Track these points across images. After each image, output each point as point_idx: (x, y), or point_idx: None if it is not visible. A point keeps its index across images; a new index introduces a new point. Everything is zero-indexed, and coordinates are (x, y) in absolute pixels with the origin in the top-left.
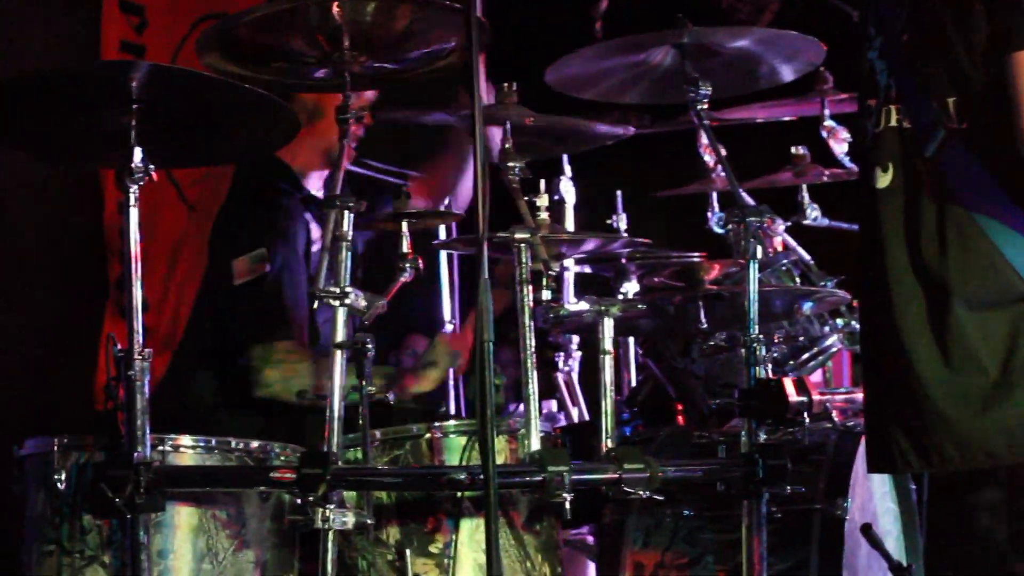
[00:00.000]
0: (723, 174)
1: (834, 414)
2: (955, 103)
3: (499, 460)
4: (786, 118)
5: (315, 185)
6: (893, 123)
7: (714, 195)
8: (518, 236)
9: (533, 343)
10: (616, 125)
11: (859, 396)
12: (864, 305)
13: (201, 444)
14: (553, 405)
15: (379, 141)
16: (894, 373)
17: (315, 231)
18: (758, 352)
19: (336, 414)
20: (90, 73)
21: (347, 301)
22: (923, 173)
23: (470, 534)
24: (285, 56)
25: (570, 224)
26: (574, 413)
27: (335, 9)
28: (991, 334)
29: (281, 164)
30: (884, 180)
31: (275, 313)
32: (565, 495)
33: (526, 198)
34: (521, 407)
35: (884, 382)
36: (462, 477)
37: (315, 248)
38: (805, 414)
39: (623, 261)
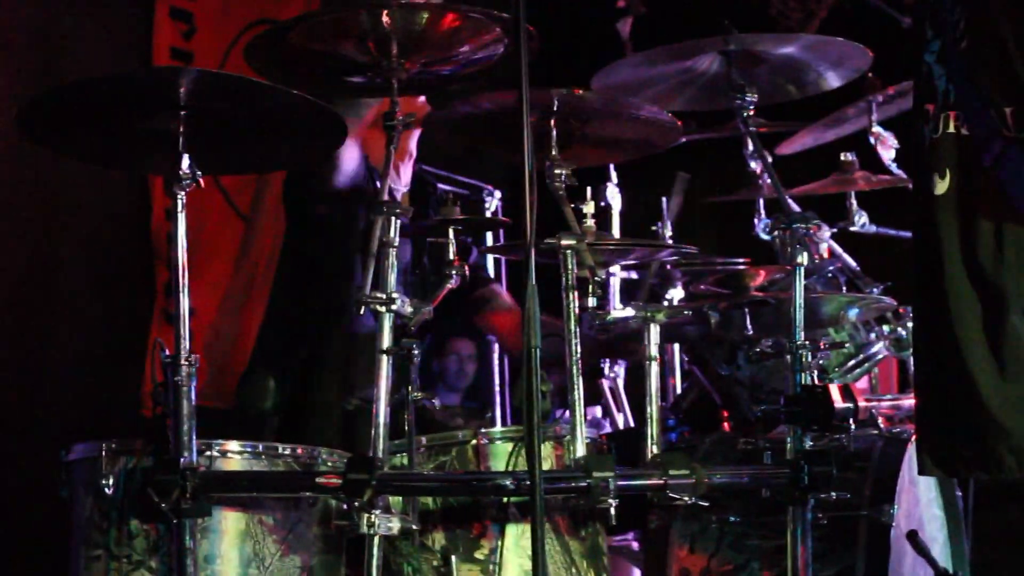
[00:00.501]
0: (769, 181)
1: (880, 420)
2: (1012, 113)
3: (545, 466)
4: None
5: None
6: (951, 129)
7: (761, 201)
8: (564, 243)
9: (579, 350)
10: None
11: (905, 402)
12: (919, 311)
13: (248, 449)
14: (599, 411)
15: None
16: (950, 380)
17: None
18: (804, 359)
19: (382, 420)
20: (139, 79)
21: (393, 307)
22: (981, 181)
23: (516, 540)
24: (334, 62)
25: (616, 231)
26: (619, 419)
27: (385, 17)
28: None
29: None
30: (942, 187)
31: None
32: (610, 501)
33: (572, 205)
34: (567, 413)
35: (939, 388)
36: (508, 483)
37: None
38: (851, 420)
39: (669, 268)
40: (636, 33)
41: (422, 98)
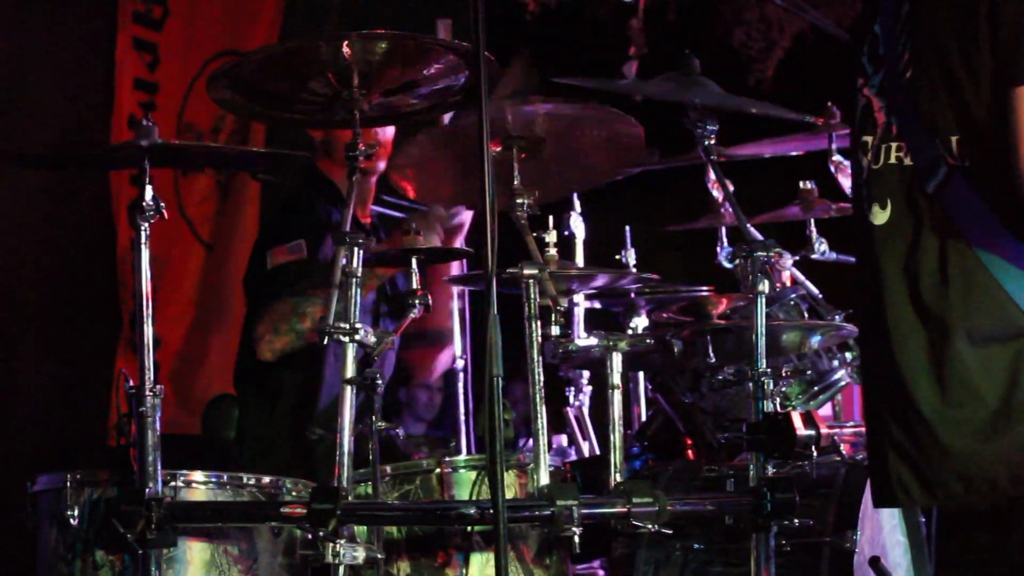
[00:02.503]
0: (731, 209)
1: (843, 447)
2: (958, 140)
3: (509, 494)
4: (794, 153)
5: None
6: (893, 160)
7: (723, 230)
8: (527, 272)
9: (542, 378)
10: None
11: None
12: (863, 340)
13: (213, 479)
14: (563, 440)
15: None
16: (894, 408)
17: None
18: (766, 386)
19: (346, 449)
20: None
21: (357, 337)
22: (924, 209)
23: (480, 568)
24: (295, 94)
25: (580, 259)
26: (584, 448)
27: (345, 48)
28: (992, 368)
29: (328, 181)
30: (882, 217)
31: (300, 282)
32: (574, 529)
33: (535, 234)
34: (531, 442)
35: (885, 417)
36: (472, 512)
37: None
38: (813, 447)
39: (632, 296)
40: (641, 75)
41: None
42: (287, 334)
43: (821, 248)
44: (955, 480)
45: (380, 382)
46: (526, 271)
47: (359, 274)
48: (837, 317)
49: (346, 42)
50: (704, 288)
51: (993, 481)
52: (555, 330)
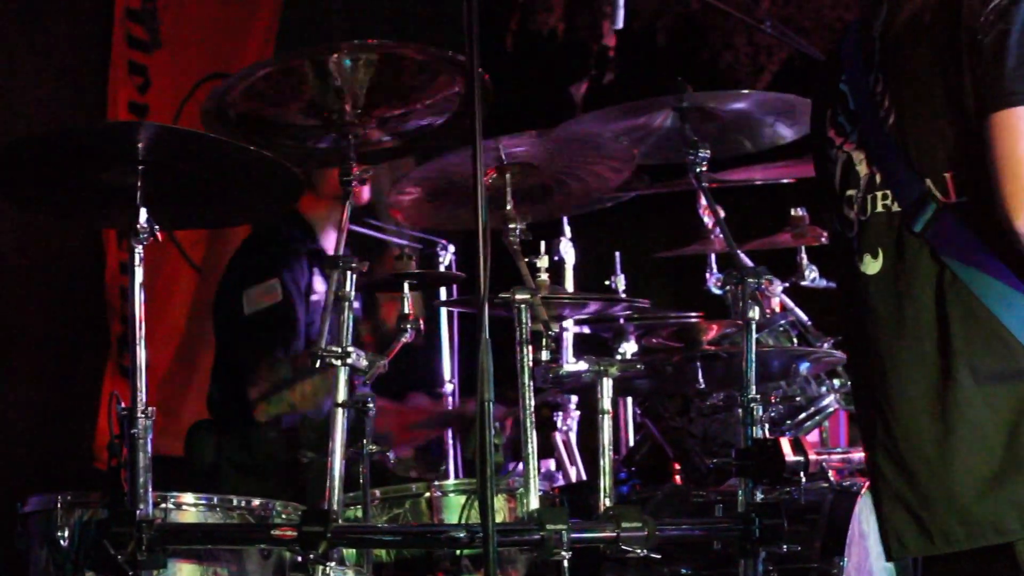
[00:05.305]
0: (721, 235)
1: (830, 473)
2: (952, 177)
3: (498, 519)
4: (785, 180)
5: (329, 240)
6: (880, 209)
7: (713, 256)
8: (519, 297)
9: (532, 403)
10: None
11: (855, 455)
12: (856, 393)
13: (203, 502)
14: (551, 464)
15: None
16: (893, 456)
17: (317, 283)
18: (755, 412)
19: (337, 472)
20: (97, 133)
21: (349, 361)
22: (916, 251)
23: None
24: (287, 126)
25: (570, 285)
26: (572, 472)
27: (333, 63)
28: (998, 407)
29: (295, 213)
30: (875, 266)
31: (280, 332)
32: (563, 553)
33: (527, 259)
34: (519, 466)
35: (882, 466)
36: (461, 535)
37: (314, 298)
38: (801, 474)
39: (622, 322)
40: (589, 96)
41: None
42: (278, 404)
43: (811, 275)
44: (958, 526)
45: (371, 405)
46: (518, 296)
47: (351, 298)
48: (826, 344)
49: (335, 58)
50: (694, 314)
51: (999, 525)
52: (545, 355)
